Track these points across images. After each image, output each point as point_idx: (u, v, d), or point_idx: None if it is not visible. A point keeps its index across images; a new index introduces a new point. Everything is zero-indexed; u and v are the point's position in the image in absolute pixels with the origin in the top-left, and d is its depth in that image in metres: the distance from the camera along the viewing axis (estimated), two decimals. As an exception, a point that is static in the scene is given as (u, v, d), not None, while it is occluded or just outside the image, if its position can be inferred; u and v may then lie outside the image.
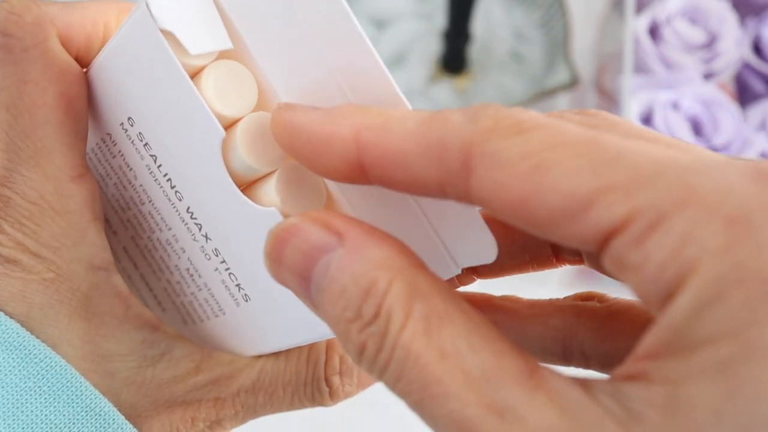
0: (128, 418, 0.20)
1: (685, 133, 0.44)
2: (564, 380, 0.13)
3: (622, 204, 0.13)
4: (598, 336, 0.18)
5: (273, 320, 0.20)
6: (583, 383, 0.13)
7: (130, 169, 0.21)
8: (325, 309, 0.15)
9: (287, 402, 0.23)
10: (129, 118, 0.19)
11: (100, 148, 0.21)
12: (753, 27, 0.50)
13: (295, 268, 0.15)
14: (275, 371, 0.22)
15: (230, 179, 0.18)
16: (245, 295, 0.20)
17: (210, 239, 0.20)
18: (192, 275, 0.21)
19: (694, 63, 0.48)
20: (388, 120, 0.15)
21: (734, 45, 0.48)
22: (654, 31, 0.49)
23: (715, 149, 0.44)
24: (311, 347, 0.22)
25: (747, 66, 0.49)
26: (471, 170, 0.14)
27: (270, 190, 0.18)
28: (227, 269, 0.20)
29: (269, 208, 0.18)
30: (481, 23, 0.61)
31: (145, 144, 0.19)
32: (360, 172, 0.15)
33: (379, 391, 0.52)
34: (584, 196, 0.13)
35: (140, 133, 0.19)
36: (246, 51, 0.18)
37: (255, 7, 0.18)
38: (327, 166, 0.16)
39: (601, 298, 0.19)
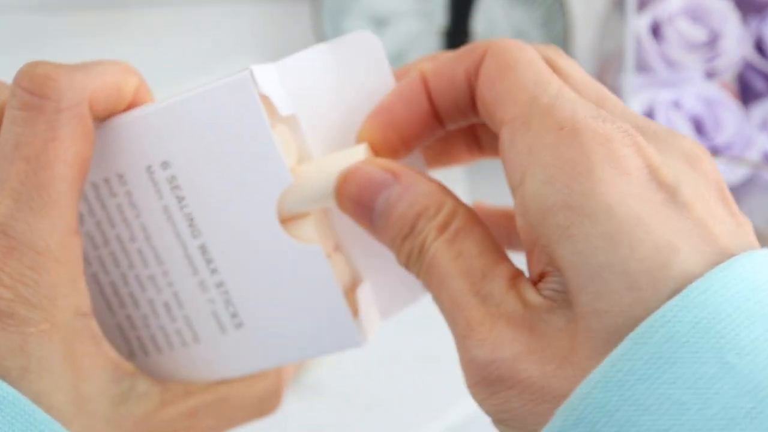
0: None
1: (687, 132, 0.44)
2: (529, 286, 0.19)
3: (515, 108, 0.19)
4: None
5: (258, 345, 0.23)
6: (537, 287, 0.19)
7: (133, 208, 0.23)
8: (386, 229, 0.21)
9: (243, 420, 0.25)
10: (164, 162, 0.22)
11: (96, 188, 0.23)
12: (755, 26, 0.49)
13: (359, 199, 0.21)
14: (237, 397, 0.24)
15: (277, 220, 0.22)
16: (239, 323, 0.23)
17: (217, 272, 0.23)
18: (169, 308, 0.24)
19: (696, 62, 0.47)
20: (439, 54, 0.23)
21: (736, 44, 0.48)
22: (655, 30, 0.49)
23: (717, 148, 0.44)
24: None
25: (749, 65, 0.49)
26: (483, 59, 0.21)
27: (309, 229, 0.22)
28: (227, 299, 0.23)
29: (314, 246, 0.22)
30: (481, 22, 0.60)
31: (175, 186, 0.22)
32: (431, 107, 0.22)
33: (379, 390, 0.52)
34: (504, 96, 0.20)
35: (173, 176, 0.22)
36: (294, 118, 0.22)
37: (307, 83, 0.22)
38: (412, 109, 0.22)
39: None
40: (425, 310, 0.50)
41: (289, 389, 0.47)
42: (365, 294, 0.23)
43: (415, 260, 0.20)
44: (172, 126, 0.22)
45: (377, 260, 0.23)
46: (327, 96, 0.22)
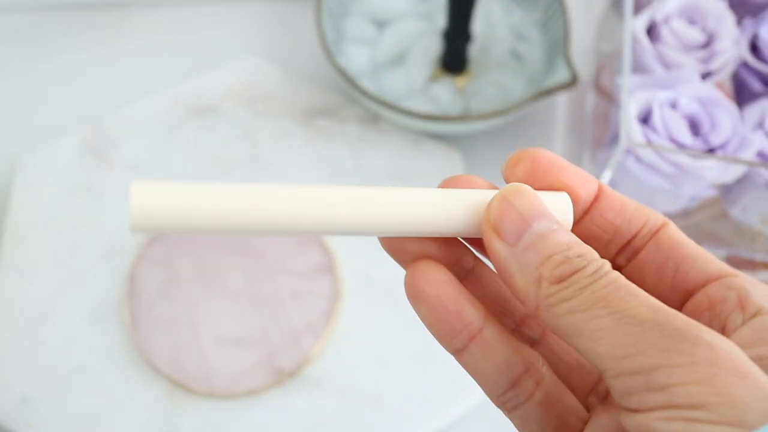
0: None
1: (683, 132, 0.45)
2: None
3: (756, 293, 0.22)
4: None
5: None
6: None
7: None
8: (540, 244, 0.21)
9: None
10: None
11: None
12: (750, 27, 0.50)
13: (525, 210, 0.21)
14: None
15: None
16: None
17: None
18: None
19: (692, 62, 0.48)
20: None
21: (732, 45, 0.49)
22: (652, 31, 0.49)
23: (713, 148, 0.45)
24: None
25: (744, 65, 0.50)
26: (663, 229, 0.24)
27: None
28: None
29: None
30: (480, 23, 0.61)
31: None
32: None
33: (380, 385, 0.52)
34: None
35: None
36: None
37: None
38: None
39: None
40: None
41: (291, 383, 0.48)
42: None
43: (585, 276, 0.20)
44: None
45: None
46: None
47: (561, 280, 0.20)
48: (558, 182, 0.23)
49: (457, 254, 0.24)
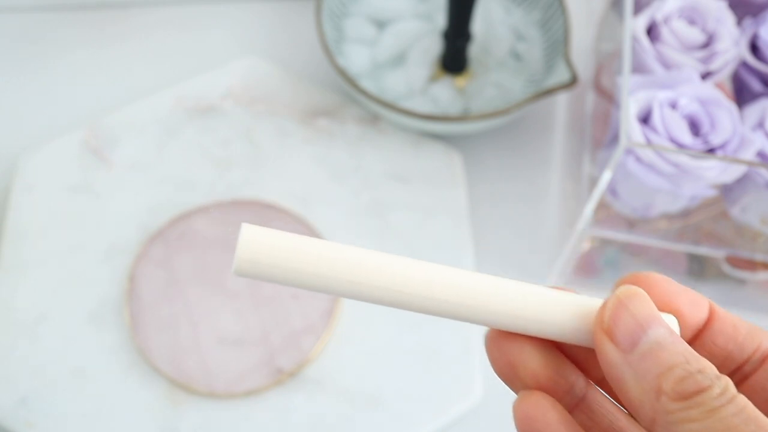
0: None
1: (683, 132, 0.45)
2: None
3: None
4: None
5: None
6: None
7: None
8: (661, 355, 0.20)
9: None
10: None
11: None
12: (750, 27, 0.50)
13: (638, 319, 0.21)
14: None
15: None
16: None
17: None
18: None
19: (692, 62, 0.48)
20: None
21: (732, 45, 0.49)
22: (652, 31, 0.49)
23: (713, 148, 0.45)
24: None
25: (744, 65, 0.50)
26: None
27: None
28: None
29: None
30: (480, 23, 0.61)
31: None
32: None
33: (381, 384, 0.52)
34: None
35: None
36: None
37: None
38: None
39: None
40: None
41: (291, 383, 0.48)
42: None
43: (712, 398, 0.19)
44: None
45: None
46: None
47: (684, 397, 0.19)
48: (668, 307, 0.22)
49: (570, 379, 0.23)
